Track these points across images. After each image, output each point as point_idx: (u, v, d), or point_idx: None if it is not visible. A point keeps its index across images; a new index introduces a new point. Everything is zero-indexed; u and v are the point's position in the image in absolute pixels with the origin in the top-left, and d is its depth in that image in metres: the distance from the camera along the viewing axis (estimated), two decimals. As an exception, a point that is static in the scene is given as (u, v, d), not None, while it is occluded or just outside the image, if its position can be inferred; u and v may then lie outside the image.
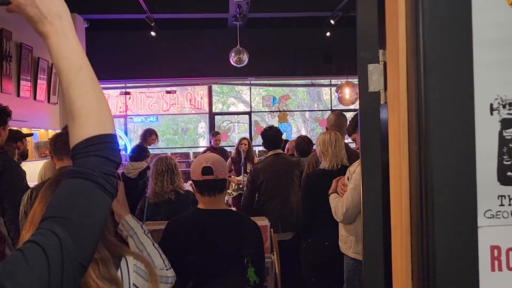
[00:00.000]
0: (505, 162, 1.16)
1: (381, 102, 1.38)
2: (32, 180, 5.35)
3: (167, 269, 2.09)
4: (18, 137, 4.89)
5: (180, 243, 2.57)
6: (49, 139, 2.81)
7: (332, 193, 3.60)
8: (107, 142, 1.06)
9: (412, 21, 1.22)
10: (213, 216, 2.64)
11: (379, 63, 1.37)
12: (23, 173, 4.01)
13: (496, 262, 1.17)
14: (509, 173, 1.16)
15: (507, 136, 1.16)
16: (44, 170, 5.04)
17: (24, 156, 5.07)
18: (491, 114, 1.16)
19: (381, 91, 1.37)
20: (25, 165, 5.14)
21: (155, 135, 7.55)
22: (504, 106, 1.16)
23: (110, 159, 1.06)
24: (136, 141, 9.13)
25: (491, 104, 1.16)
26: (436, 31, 1.18)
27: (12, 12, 1.09)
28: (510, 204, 1.17)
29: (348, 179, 3.50)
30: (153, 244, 2.14)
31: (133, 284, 1.58)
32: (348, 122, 4.27)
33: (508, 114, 1.16)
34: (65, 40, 1.07)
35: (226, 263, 2.49)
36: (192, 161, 10.77)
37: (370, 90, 1.38)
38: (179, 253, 2.51)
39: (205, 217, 2.65)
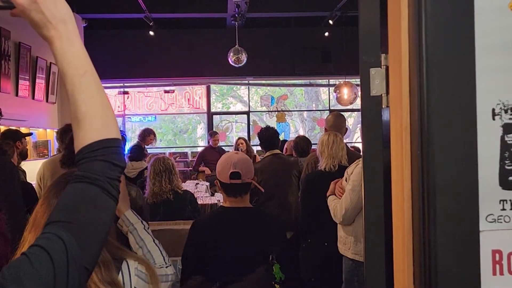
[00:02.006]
0: (506, 167, 1.17)
1: (383, 106, 1.38)
2: (31, 179, 5.35)
3: (167, 267, 2.08)
4: (17, 136, 4.89)
5: (207, 242, 2.60)
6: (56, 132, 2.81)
7: (330, 195, 3.61)
8: (111, 146, 1.07)
9: (414, 25, 1.22)
10: (238, 214, 2.67)
11: (381, 67, 1.38)
12: (19, 173, 3.99)
13: (497, 266, 1.17)
14: (510, 178, 1.17)
15: (509, 141, 1.17)
16: (43, 169, 5.03)
17: (23, 156, 5.07)
18: (493, 119, 1.17)
19: (383, 95, 1.38)
20: (24, 165, 5.14)
21: (154, 135, 7.55)
22: (506, 111, 1.17)
23: (115, 164, 1.06)
24: (134, 140, 9.12)
25: (493, 109, 1.17)
26: (439, 36, 1.19)
27: (16, 16, 1.09)
28: (511, 209, 1.17)
29: (346, 180, 3.51)
30: (154, 240, 2.12)
31: (135, 287, 1.58)
32: (347, 122, 4.29)
33: (510, 119, 1.16)
34: (70, 44, 1.08)
35: (251, 260, 2.50)
36: (191, 160, 10.87)
37: (372, 94, 1.38)
38: (206, 253, 2.56)
39: (230, 215, 2.68)
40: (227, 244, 2.57)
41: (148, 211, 3.81)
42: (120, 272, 1.54)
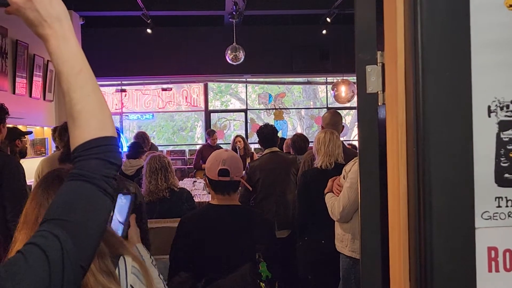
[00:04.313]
0: (502, 164, 1.17)
1: (379, 103, 1.38)
2: (29, 177, 5.33)
3: None
4: (17, 135, 4.88)
5: (194, 239, 2.59)
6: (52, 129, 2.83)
7: (328, 192, 3.61)
8: (107, 144, 1.07)
9: (410, 23, 1.22)
10: (226, 212, 2.66)
11: (377, 65, 1.38)
12: (23, 171, 3.99)
13: (493, 263, 1.18)
14: (506, 175, 1.17)
15: (505, 138, 1.17)
16: (41, 167, 5.03)
17: (22, 154, 5.06)
18: (489, 116, 1.17)
19: (379, 92, 1.38)
20: (22, 163, 5.13)
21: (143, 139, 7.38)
22: (501, 108, 1.17)
23: (111, 162, 1.06)
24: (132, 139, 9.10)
25: (489, 106, 1.17)
26: (434, 33, 1.19)
27: (11, 14, 1.08)
28: (507, 206, 1.18)
29: (344, 178, 3.51)
30: (159, 275, 2.12)
31: (130, 285, 1.57)
32: (344, 120, 4.29)
33: (506, 116, 1.17)
34: (65, 43, 1.07)
35: (238, 258, 2.50)
36: (189, 158, 10.85)
37: (368, 91, 1.38)
38: (193, 250, 2.55)
39: (217, 213, 2.67)
40: (214, 241, 2.56)
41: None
42: (117, 268, 1.53)
